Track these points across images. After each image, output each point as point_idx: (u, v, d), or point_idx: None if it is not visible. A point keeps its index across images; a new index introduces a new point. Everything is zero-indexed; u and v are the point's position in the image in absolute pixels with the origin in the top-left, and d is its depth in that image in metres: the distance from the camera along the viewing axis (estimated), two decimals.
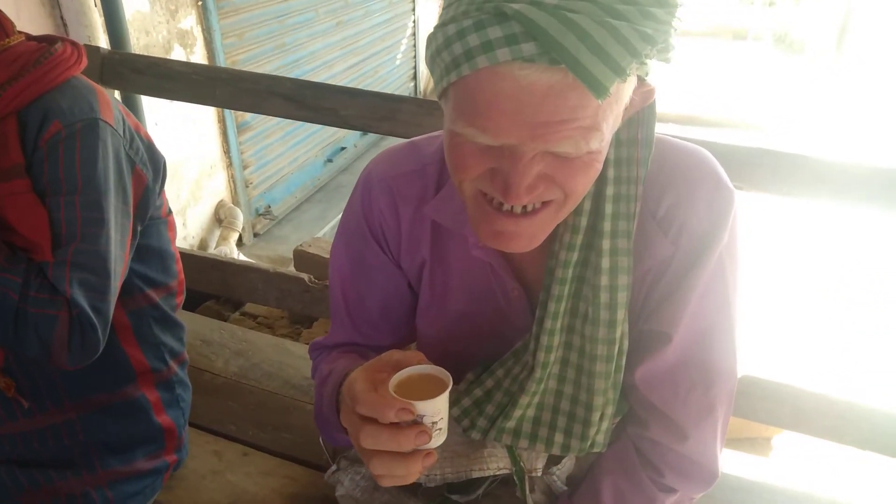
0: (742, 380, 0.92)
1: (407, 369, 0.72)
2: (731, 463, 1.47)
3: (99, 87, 0.99)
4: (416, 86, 5.97)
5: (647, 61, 0.63)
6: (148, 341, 1.16)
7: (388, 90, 5.34)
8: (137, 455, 1.17)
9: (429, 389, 0.70)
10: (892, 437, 1.39)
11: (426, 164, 0.91)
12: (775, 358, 2.50)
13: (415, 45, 5.74)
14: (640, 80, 0.68)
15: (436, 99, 0.76)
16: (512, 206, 0.71)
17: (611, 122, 0.66)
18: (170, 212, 1.17)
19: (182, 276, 1.23)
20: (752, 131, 6.20)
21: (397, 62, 5.49)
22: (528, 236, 0.74)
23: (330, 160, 4.54)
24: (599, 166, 0.70)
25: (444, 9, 0.65)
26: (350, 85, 4.59)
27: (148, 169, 1.04)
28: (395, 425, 0.69)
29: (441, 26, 0.64)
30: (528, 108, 0.61)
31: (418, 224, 0.92)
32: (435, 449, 0.71)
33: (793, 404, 1.43)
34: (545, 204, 0.72)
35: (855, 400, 1.40)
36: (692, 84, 7.32)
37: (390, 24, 5.21)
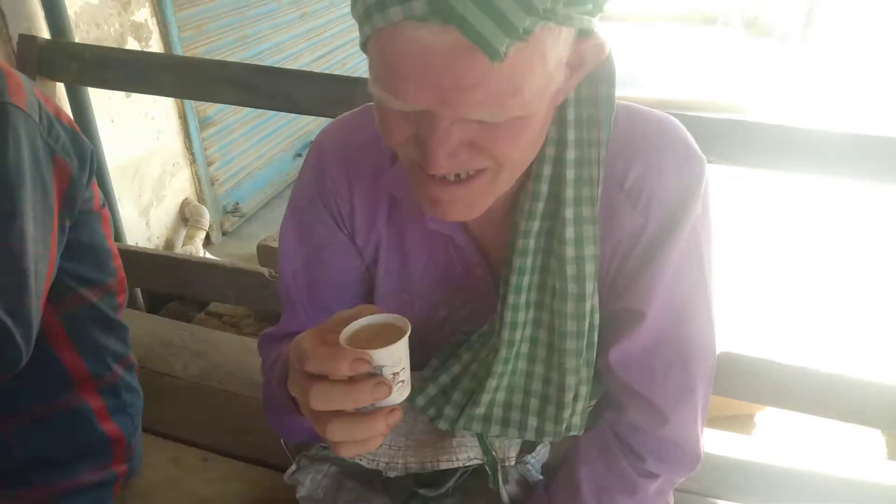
0: (720, 356, 0.88)
1: (359, 321, 0.65)
2: (712, 442, 1.43)
3: (9, 69, 0.90)
4: None
5: (574, 14, 0.57)
6: (86, 345, 1.08)
7: None
8: (81, 467, 1.09)
9: (386, 339, 0.62)
10: (874, 407, 1.36)
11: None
12: (753, 333, 2.47)
13: None
14: (585, 34, 0.62)
15: None
16: (444, 175, 0.65)
17: (538, 85, 0.59)
18: (103, 204, 1.09)
19: (122, 273, 1.14)
20: (724, 114, 6.20)
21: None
22: (465, 204, 0.69)
23: (299, 154, 4.44)
24: (534, 133, 0.65)
25: None
26: None
27: (72, 158, 0.96)
28: (349, 380, 0.60)
29: None
30: (432, 72, 0.56)
31: (373, 198, 0.85)
32: (398, 406, 0.63)
33: (773, 379, 1.40)
34: (478, 172, 0.66)
35: (836, 372, 1.37)
36: (664, 68, 7.34)
37: None
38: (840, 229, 3.76)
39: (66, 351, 1.05)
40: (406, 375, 0.63)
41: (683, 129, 0.79)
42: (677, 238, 0.77)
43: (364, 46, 0.62)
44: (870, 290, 3.13)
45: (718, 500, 1.30)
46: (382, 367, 0.61)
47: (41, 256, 0.89)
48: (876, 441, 1.95)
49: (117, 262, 1.13)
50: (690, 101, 6.44)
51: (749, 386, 1.41)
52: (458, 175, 0.66)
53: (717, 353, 0.86)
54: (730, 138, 1.30)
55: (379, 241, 0.88)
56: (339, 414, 0.62)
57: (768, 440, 1.70)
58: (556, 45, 0.59)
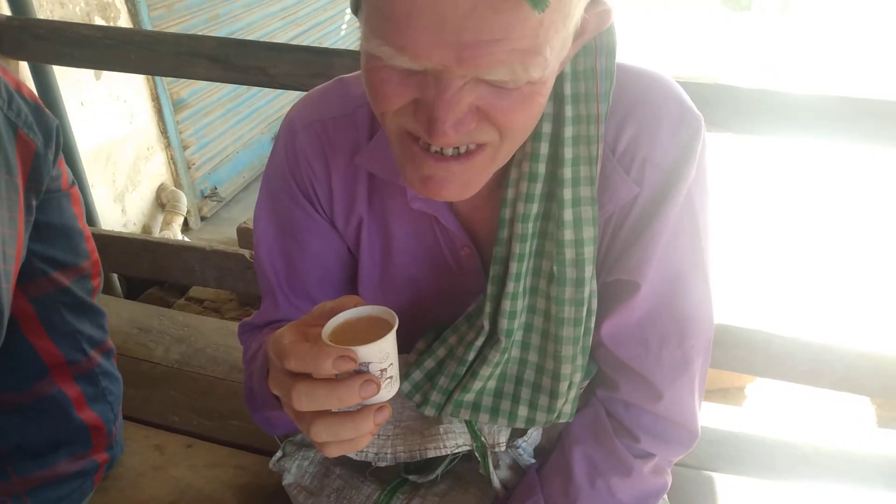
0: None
1: (342, 314, 0.60)
2: (705, 415, 1.42)
3: None
4: None
5: None
6: (61, 331, 1.03)
7: None
8: (59, 457, 1.04)
9: (372, 334, 0.57)
10: (866, 376, 1.36)
11: (357, 106, 0.79)
12: (745, 304, 2.47)
13: None
14: (594, 1, 0.57)
15: None
16: (441, 149, 0.60)
17: (557, 47, 0.54)
18: (72, 183, 1.03)
19: (96, 255, 1.09)
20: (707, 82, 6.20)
21: (342, 33, 5.30)
22: (460, 183, 0.63)
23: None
24: (543, 101, 0.59)
25: None
26: None
27: (36, 133, 0.90)
28: (334, 379, 0.56)
29: None
30: (451, 24, 0.49)
31: (352, 177, 0.80)
32: (388, 402, 0.59)
33: (766, 350, 1.39)
34: (479, 146, 0.61)
35: (828, 342, 1.36)
36: (642, 41, 7.31)
37: None
38: (828, 197, 3.77)
39: (39, 337, 1.00)
40: (394, 371, 0.59)
41: (678, 86, 0.74)
42: (672, 204, 0.73)
43: (359, 1, 0.56)
44: (860, 258, 3.15)
45: (713, 473, 1.29)
46: (369, 363, 0.56)
47: (9, 237, 0.83)
48: (865, 409, 1.96)
49: (90, 244, 1.07)
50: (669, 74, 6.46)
51: (742, 358, 1.40)
52: (456, 149, 0.61)
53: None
54: (717, 104, 1.28)
55: (360, 223, 0.83)
56: (324, 414, 0.57)
57: (760, 412, 1.70)
58: (578, 5, 0.54)
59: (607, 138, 0.72)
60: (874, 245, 3.27)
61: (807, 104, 1.25)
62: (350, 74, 0.83)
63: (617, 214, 0.76)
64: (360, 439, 0.58)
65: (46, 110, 0.93)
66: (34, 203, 0.93)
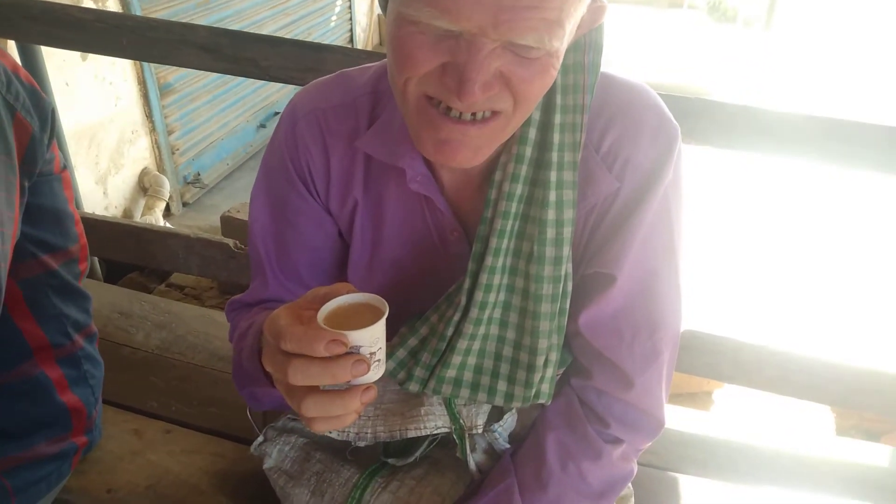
0: (682, 334, 0.89)
1: (336, 300, 0.64)
2: (672, 417, 1.47)
3: None
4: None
5: None
6: (46, 313, 1.04)
7: None
8: (38, 439, 1.05)
9: (363, 319, 0.61)
10: (829, 385, 1.41)
11: (358, 95, 0.84)
12: (715, 311, 2.53)
13: (350, 7, 5.54)
14: None
15: (368, 49, 0.69)
16: (461, 114, 0.65)
17: (573, 24, 0.62)
18: (64, 167, 1.04)
19: (84, 240, 1.10)
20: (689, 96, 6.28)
21: (332, 24, 5.29)
22: (473, 147, 0.69)
23: (263, 125, 4.36)
24: (555, 73, 0.66)
25: None
26: None
27: (33, 116, 0.91)
28: (327, 357, 0.60)
29: None
30: None
31: (349, 162, 0.84)
32: (374, 384, 0.63)
33: (733, 357, 1.43)
34: (494, 114, 0.66)
35: (794, 350, 1.40)
36: (629, 50, 7.38)
37: None
38: (802, 211, 3.86)
39: (24, 319, 1.01)
40: (382, 355, 0.63)
41: (657, 97, 0.81)
42: (649, 202, 0.79)
43: None
44: (830, 271, 3.24)
45: (678, 474, 1.34)
46: (359, 347, 0.60)
47: (6, 219, 0.84)
48: (826, 418, 2.03)
49: (79, 228, 1.08)
50: (654, 84, 6.52)
51: (710, 364, 1.44)
52: (473, 114, 0.66)
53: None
54: (698, 117, 1.31)
55: (355, 206, 0.87)
56: (315, 390, 0.61)
57: (727, 416, 1.75)
58: None
59: (592, 138, 0.78)
60: (845, 258, 3.35)
61: (782, 122, 1.28)
62: (352, 69, 0.87)
63: (598, 208, 0.81)
64: (347, 416, 0.63)
65: (43, 94, 0.94)
66: (27, 185, 0.94)
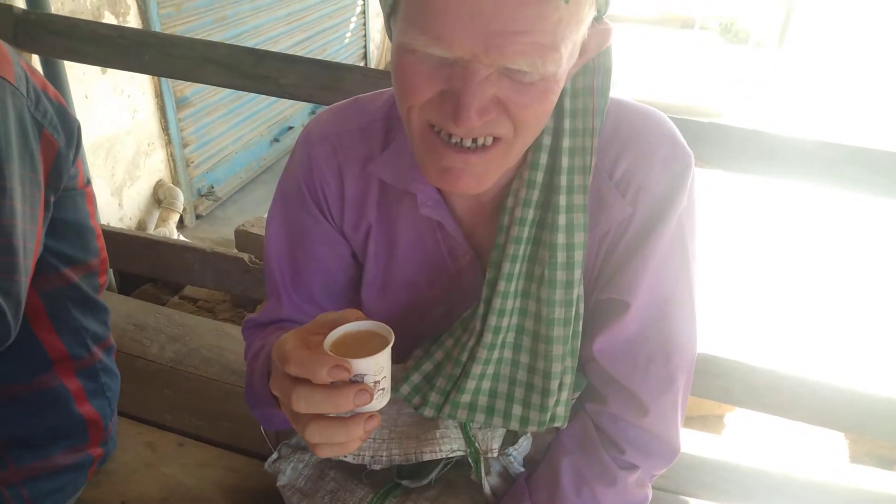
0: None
1: (343, 327, 0.65)
2: (684, 441, 1.46)
3: None
4: (366, 66, 5.83)
5: None
6: (66, 325, 1.05)
7: None
8: (56, 449, 1.06)
9: (369, 347, 0.62)
10: (840, 411, 1.40)
11: (372, 120, 0.85)
12: (729, 335, 2.52)
13: (364, 24, 5.60)
14: (598, 18, 0.65)
15: (382, 69, 0.71)
16: (461, 140, 0.66)
17: (569, 48, 0.62)
18: (88, 182, 1.06)
19: (105, 253, 1.12)
20: (699, 117, 6.29)
21: (346, 41, 5.34)
22: (476, 175, 0.69)
23: (276, 140, 4.39)
24: (554, 98, 0.66)
25: None
26: None
27: (59, 133, 0.93)
28: (331, 386, 0.61)
29: None
30: (484, 14, 0.57)
31: (364, 186, 0.86)
32: (378, 412, 0.64)
33: (745, 381, 1.43)
34: (495, 141, 0.67)
35: (805, 375, 1.40)
36: (641, 70, 7.41)
37: (339, 0, 5.05)
38: (815, 235, 3.85)
39: (45, 331, 1.02)
40: (387, 384, 0.64)
41: (671, 123, 0.81)
42: (664, 229, 0.79)
43: (396, 2, 0.63)
44: (841, 295, 3.22)
45: (690, 499, 1.33)
46: (364, 375, 0.61)
47: (30, 232, 0.86)
48: (839, 444, 2.01)
49: (100, 242, 1.10)
50: (666, 105, 6.54)
51: (722, 388, 1.44)
52: (474, 141, 0.67)
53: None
54: (708, 141, 1.32)
55: (369, 230, 0.88)
56: (319, 417, 0.62)
57: (739, 440, 1.74)
58: (588, 13, 0.62)
59: (605, 165, 0.79)
60: (857, 283, 3.34)
61: (793, 147, 1.29)
62: (366, 94, 0.88)
63: (612, 234, 0.81)
64: (351, 444, 0.63)
65: (70, 111, 0.96)
66: (52, 200, 0.96)
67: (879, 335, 2.89)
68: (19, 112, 0.85)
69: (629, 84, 6.61)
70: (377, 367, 0.62)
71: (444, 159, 0.68)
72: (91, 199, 1.08)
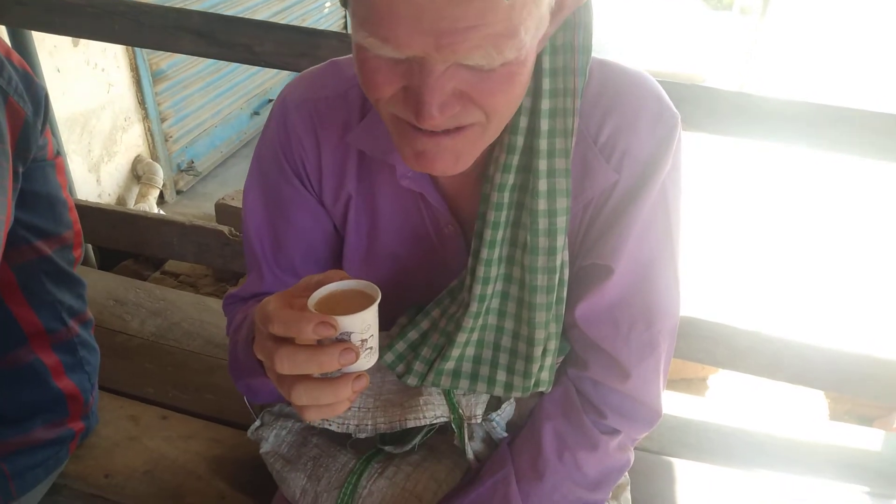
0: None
1: (328, 286, 0.63)
2: (669, 403, 1.47)
3: None
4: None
5: None
6: (40, 299, 1.03)
7: None
8: (35, 424, 1.05)
9: (355, 305, 0.60)
10: (822, 371, 1.42)
11: (349, 87, 0.81)
12: (711, 298, 2.54)
13: None
14: None
15: None
16: None
17: (532, 28, 0.57)
18: (57, 153, 1.03)
19: (78, 226, 1.09)
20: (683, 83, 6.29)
21: (325, 10, 5.24)
22: (452, 156, 0.66)
23: (257, 112, 4.33)
24: (523, 79, 0.63)
25: None
26: None
27: (25, 101, 0.90)
28: (316, 345, 0.59)
29: None
30: (428, 13, 0.53)
31: (342, 155, 0.83)
32: (366, 371, 0.62)
33: (728, 343, 1.44)
34: (468, 125, 0.64)
35: (787, 337, 1.41)
36: (624, 37, 7.36)
37: None
38: (795, 196, 3.87)
39: (19, 305, 1.00)
40: (374, 343, 0.62)
41: (657, 84, 0.78)
42: (647, 194, 0.77)
43: None
44: (826, 257, 3.25)
45: (674, 458, 1.35)
46: (350, 333, 0.59)
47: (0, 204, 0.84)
48: (820, 403, 2.04)
49: (73, 214, 1.08)
50: (650, 71, 6.52)
51: (705, 350, 1.45)
52: (446, 128, 0.63)
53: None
54: (694, 104, 1.31)
55: (349, 200, 0.86)
56: (305, 378, 0.60)
57: (721, 402, 1.77)
58: None
59: (590, 129, 0.76)
60: (838, 245, 3.37)
61: (777, 109, 1.28)
62: (343, 57, 0.85)
63: (596, 200, 0.79)
64: (339, 405, 0.61)
65: (36, 78, 0.93)
66: (20, 171, 0.93)
67: (860, 295, 2.93)
68: None
69: (613, 50, 6.57)
70: (364, 324, 0.60)
71: (417, 144, 0.65)
72: (62, 169, 1.05)
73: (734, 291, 2.80)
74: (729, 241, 3.28)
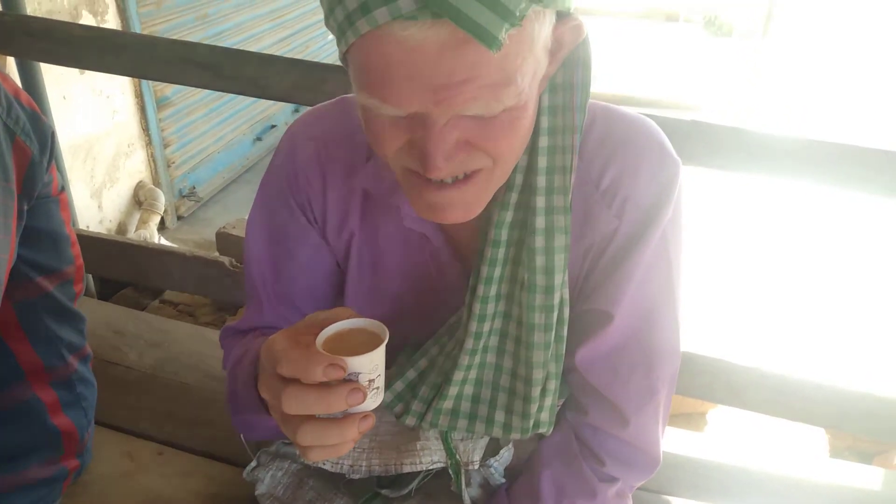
0: None
1: (336, 324, 0.63)
2: (667, 440, 1.46)
3: None
4: None
5: None
6: (40, 336, 1.03)
7: None
8: (30, 462, 1.04)
9: (362, 345, 0.61)
10: (821, 408, 1.41)
11: (357, 127, 0.82)
12: (711, 333, 2.54)
13: None
14: (563, 16, 0.62)
15: None
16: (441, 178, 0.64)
17: (529, 73, 0.59)
18: (62, 189, 1.04)
19: (80, 261, 1.10)
20: (684, 111, 6.33)
21: (330, 36, 5.31)
22: (462, 206, 0.68)
23: (259, 138, 4.36)
24: (526, 122, 0.64)
25: None
26: None
27: (32, 140, 0.91)
28: (323, 385, 0.59)
29: None
30: (422, 72, 0.54)
31: (347, 193, 0.84)
32: (372, 412, 0.62)
33: (727, 380, 1.44)
34: (475, 171, 0.65)
35: (786, 373, 1.41)
36: (626, 64, 7.43)
37: None
38: (796, 231, 3.87)
39: (18, 341, 1.00)
40: (381, 382, 0.62)
41: (659, 131, 0.79)
42: (648, 242, 0.77)
43: (344, 57, 0.60)
44: (822, 292, 3.25)
45: (671, 497, 1.33)
46: (358, 373, 0.59)
47: (3, 243, 0.84)
48: (820, 439, 2.03)
49: (75, 250, 1.08)
50: (649, 99, 6.56)
51: (704, 385, 1.44)
52: (455, 176, 0.65)
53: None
54: (693, 140, 1.32)
55: (351, 238, 0.86)
56: (311, 418, 0.60)
57: (719, 438, 1.76)
58: (542, 28, 0.58)
59: (593, 174, 0.77)
60: (841, 281, 3.37)
61: (776, 145, 1.29)
62: (352, 95, 0.86)
63: (597, 245, 0.80)
64: (344, 445, 0.61)
65: (43, 117, 0.94)
66: (25, 208, 0.94)
67: (859, 331, 2.92)
68: None
69: (614, 77, 6.62)
70: (372, 364, 0.60)
71: (427, 196, 0.66)
72: (66, 205, 1.06)
73: (735, 327, 2.80)
74: (730, 276, 3.29)
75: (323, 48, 5.17)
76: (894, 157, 1.21)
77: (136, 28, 3.03)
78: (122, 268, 1.69)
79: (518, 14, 0.52)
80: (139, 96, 3.16)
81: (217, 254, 1.88)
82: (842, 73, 7.30)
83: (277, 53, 4.38)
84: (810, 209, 3.93)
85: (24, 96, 0.93)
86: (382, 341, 0.61)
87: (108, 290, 2.35)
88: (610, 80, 6.49)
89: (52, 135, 0.97)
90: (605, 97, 0.84)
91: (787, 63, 7.62)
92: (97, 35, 1.56)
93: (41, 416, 1.05)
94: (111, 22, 2.89)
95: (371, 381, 0.60)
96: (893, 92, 6.62)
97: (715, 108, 6.33)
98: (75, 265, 1.09)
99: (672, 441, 1.48)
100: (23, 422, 1.03)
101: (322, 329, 0.63)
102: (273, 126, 4.50)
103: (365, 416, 0.61)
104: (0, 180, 0.85)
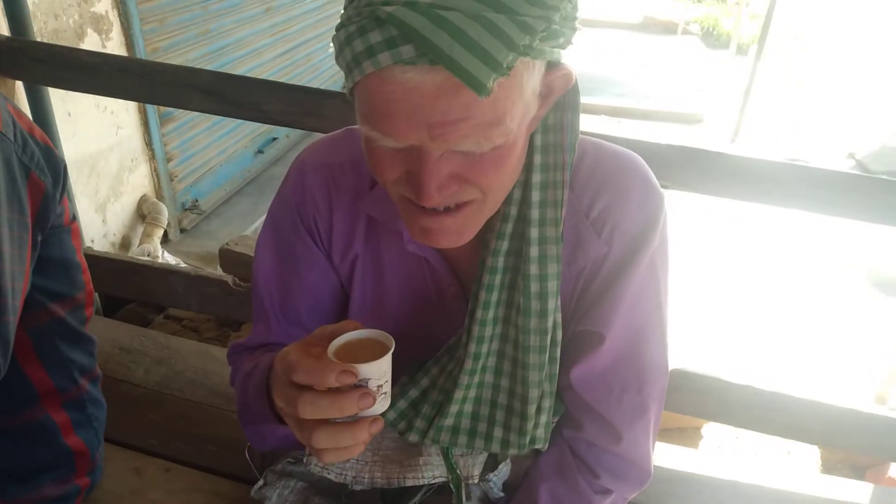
0: (670, 373, 0.94)
1: (345, 335, 0.69)
2: (661, 455, 1.50)
3: None
4: None
5: (547, 48, 0.62)
6: (53, 359, 1.07)
7: (321, 79, 5.22)
8: (44, 481, 1.08)
9: (370, 353, 0.66)
10: (812, 425, 1.44)
11: (362, 157, 0.88)
12: (703, 352, 2.57)
13: None
14: (553, 65, 0.68)
15: None
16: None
17: (518, 115, 0.65)
18: (73, 218, 1.08)
19: (90, 286, 1.14)
20: (681, 123, 6.38)
21: (330, 50, 5.35)
22: (454, 232, 0.74)
23: (261, 151, 4.40)
24: (514, 160, 0.70)
25: (343, 9, 0.64)
26: (281, 74, 4.46)
27: (46, 175, 0.95)
28: (335, 391, 0.64)
29: (338, 28, 0.63)
30: (420, 110, 0.60)
31: (352, 218, 0.89)
32: (380, 416, 0.68)
33: (719, 397, 1.47)
34: (466, 202, 0.71)
35: (777, 390, 1.44)
36: (623, 75, 7.48)
37: (323, 11, 5.07)
38: (785, 253, 3.91)
39: (32, 366, 1.04)
40: (388, 388, 0.68)
41: (646, 165, 0.85)
42: (636, 267, 0.83)
43: (351, 92, 0.66)
44: (812, 311, 3.28)
45: None
46: (368, 379, 0.65)
47: (18, 273, 0.89)
48: (812, 455, 2.06)
49: (86, 276, 1.12)
50: (648, 110, 6.60)
51: (697, 403, 1.48)
52: (447, 206, 0.71)
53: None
54: (683, 165, 1.36)
55: (355, 260, 0.91)
56: (325, 423, 0.66)
57: (713, 453, 1.79)
58: (531, 77, 0.64)
59: (583, 205, 0.83)
60: (830, 300, 3.41)
61: (764, 170, 1.33)
62: (357, 126, 0.91)
63: (588, 270, 0.86)
64: (356, 447, 0.67)
65: (56, 152, 0.99)
66: (39, 239, 0.98)
67: (848, 349, 2.95)
68: (7, 157, 0.88)
69: (611, 89, 6.66)
70: (380, 371, 0.66)
71: (422, 221, 0.72)
72: (77, 234, 1.10)
73: (727, 345, 2.83)
74: (722, 295, 3.32)
75: (324, 61, 5.22)
76: (886, 186, 1.25)
77: (140, 44, 3.07)
78: (127, 286, 1.73)
79: (505, 66, 0.57)
80: (142, 111, 3.20)
81: (221, 271, 1.92)
82: (838, 83, 7.34)
83: (278, 67, 4.44)
84: (798, 229, 3.96)
85: (38, 132, 0.98)
86: (389, 349, 0.67)
87: (113, 306, 2.39)
88: (607, 90, 6.53)
89: (65, 168, 1.01)
90: (604, 109, 0.89)
91: (784, 74, 7.66)
92: (103, 61, 1.60)
93: (55, 437, 1.09)
94: (115, 40, 2.93)
95: (379, 386, 0.66)
96: (890, 101, 6.67)
97: (716, 121, 6.37)
98: (86, 290, 1.13)
99: (665, 456, 1.51)
100: (37, 442, 1.07)
101: (331, 340, 0.68)
102: (274, 138, 4.54)
103: (374, 419, 0.67)
104: (16, 214, 0.90)
